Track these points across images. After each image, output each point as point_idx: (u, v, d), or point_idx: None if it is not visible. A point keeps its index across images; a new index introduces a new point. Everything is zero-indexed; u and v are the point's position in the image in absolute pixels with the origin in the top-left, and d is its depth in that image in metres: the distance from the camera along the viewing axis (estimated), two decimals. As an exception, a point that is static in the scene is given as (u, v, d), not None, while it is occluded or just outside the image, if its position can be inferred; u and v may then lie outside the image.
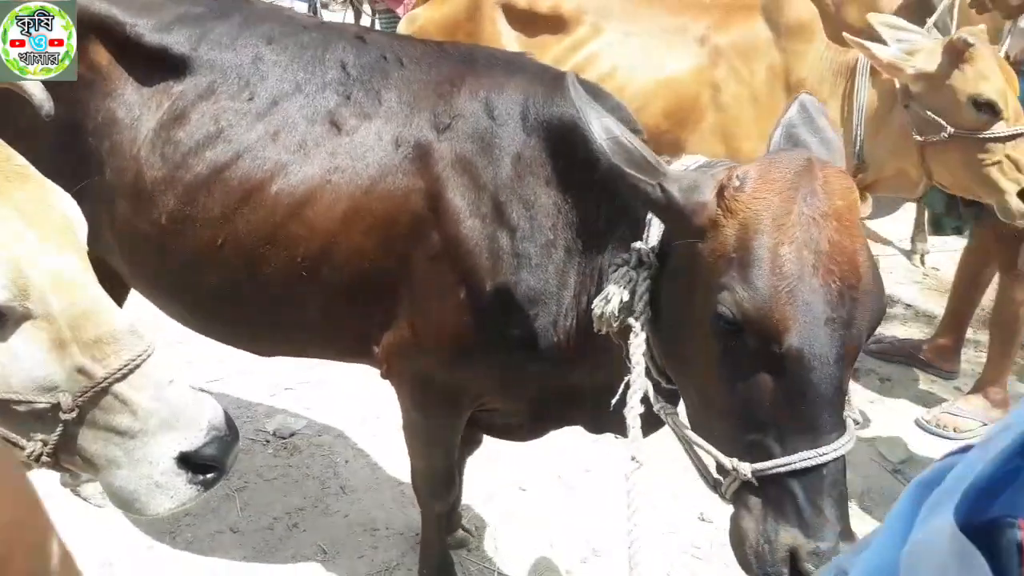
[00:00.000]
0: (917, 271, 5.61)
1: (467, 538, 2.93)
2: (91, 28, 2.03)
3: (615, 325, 1.61)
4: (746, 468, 1.41)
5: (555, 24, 3.47)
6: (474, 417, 2.35)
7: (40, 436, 1.22)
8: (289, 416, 3.48)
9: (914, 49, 3.06)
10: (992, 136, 2.92)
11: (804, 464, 1.36)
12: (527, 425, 2.36)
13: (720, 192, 1.45)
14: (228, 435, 1.30)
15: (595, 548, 2.95)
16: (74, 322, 1.20)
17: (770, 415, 1.39)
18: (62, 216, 1.28)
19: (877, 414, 3.93)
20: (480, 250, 1.91)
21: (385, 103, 2.00)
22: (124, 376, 1.21)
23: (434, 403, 2.20)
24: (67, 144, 2.07)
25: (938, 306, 4.85)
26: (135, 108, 2.04)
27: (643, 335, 1.55)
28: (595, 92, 1.98)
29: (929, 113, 3.00)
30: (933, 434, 3.85)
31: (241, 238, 1.99)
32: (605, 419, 2.10)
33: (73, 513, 2.87)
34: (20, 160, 1.28)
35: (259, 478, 3.14)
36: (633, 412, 1.54)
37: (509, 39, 3.46)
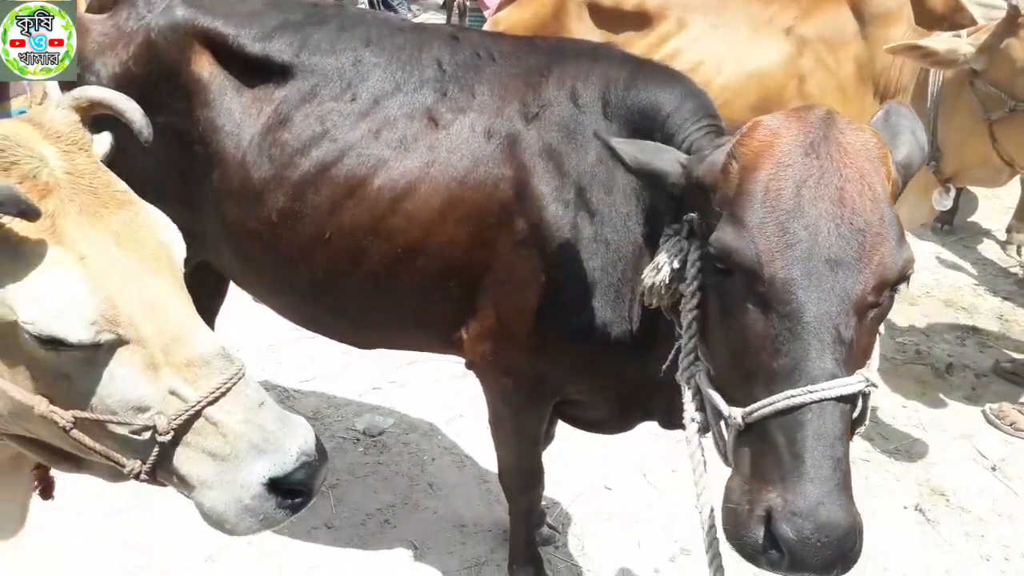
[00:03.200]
0: (1012, 262, 5.39)
1: (553, 535, 2.95)
2: (196, 39, 2.14)
3: (665, 296, 1.62)
4: (737, 413, 1.36)
5: (640, 20, 3.50)
6: (561, 411, 2.38)
7: (139, 455, 1.25)
8: (377, 415, 3.55)
9: (985, 27, 2.94)
10: None
11: (787, 403, 1.28)
12: (614, 417, 2.37)
13: (732, 152, 1.46)
14: (317, 460, 1.29)
15: (683, 547, 2.93)
16: (166, 346, 1.22)
17: (760, 359, 1.35)
18: (157, 241, 1.29)
19: (973, 411, 3.81)
20: (562, 235, 1.95)
21: (479, 97, 2.05)
22: (215, 400, 1.23)
23: (518, 393, 2.23)
24: (174, 155, 2.17)
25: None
26: (236, 115, 2.13)
27: (695, 300, 1.54)
28: (672, 76, 2.02)
29: (991, 88, 2.88)
30: (992, 424, 3.73)
31: (346, 231, 2.07)
32: (679, 413, 2.12)
33: (175, 509, 2.99)
34: (120, 186, 1.31)
35: (351, 476, 3.22)
36: (685, 374, 1.56)
37: (594, 37, 3.47)
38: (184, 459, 1.25)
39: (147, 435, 1.23)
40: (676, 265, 1.59)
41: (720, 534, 1.42)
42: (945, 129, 3.11)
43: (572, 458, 3.19)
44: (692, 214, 1.59)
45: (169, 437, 1.22)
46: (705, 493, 1.51)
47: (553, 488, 2.82)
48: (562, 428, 2.70)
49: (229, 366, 1.26)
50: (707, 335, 1.53)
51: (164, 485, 1.31)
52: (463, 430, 3.46)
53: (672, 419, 2.19)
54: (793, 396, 1.28)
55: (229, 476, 1.23)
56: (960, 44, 2.87)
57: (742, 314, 1.38)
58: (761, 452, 1.33)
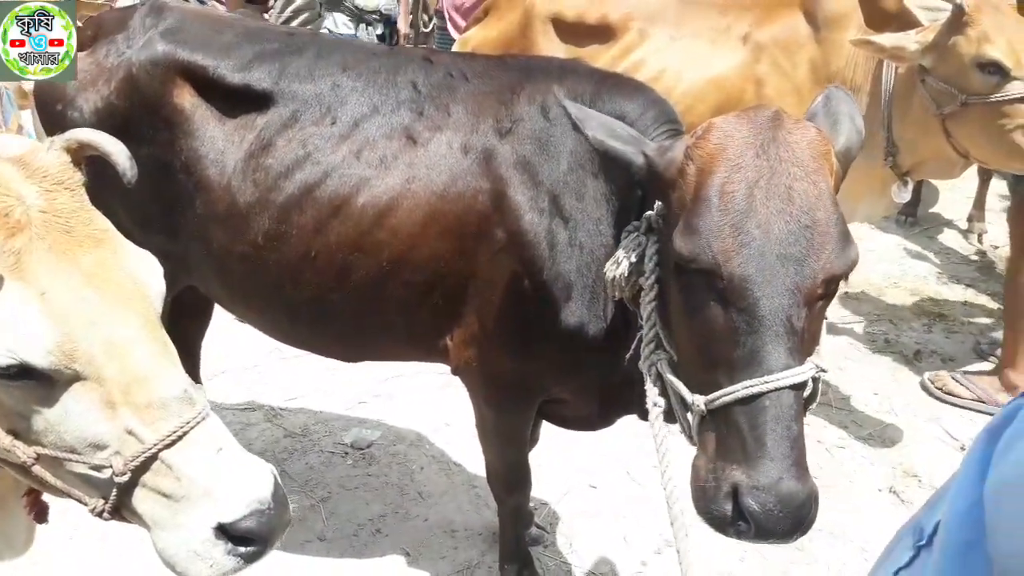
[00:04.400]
0: (973, 250, 5.56)
1: (542, 535, 3.02)
2: (177, 73, 2.21)
3: (626, 288, 1.74)
4: (700, 400, 1.48)
5: (603, 33, 3.59)
6: (546, 411, 2.46)
7: (100, 494, 1.26)
8: (365, 428, 3.62)
9: (932, 27, 3.05)
10: (1006, 98, 2.85)
11: (746, 392, 1.40)
12: (596, 413, 2.45)
13: (689, 144, 1.57)
14: (271, 508, 1.26)
15: (668, 539, 3.02)
16: (126, 386, 1.21)
17: (720, 350, 1.46)
18: (131, 278, 1.30)
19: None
20: (539, 241, 2.04)
21: (454, 115, 2.15)
22: (172, 443, 1.23)
23: (503, 396, 2.32)
24: (158, 185, 2.24)
25: (999, 285, 4.82)
26: (219, 143, 2.20)
27: (653, 292, 1.67)
28: (635, 87, 2.14)
29: (941, 83, 2.98)
30: (927, 392, 3.89)
31: (332, 248, 2.15)
32: None
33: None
34: (101, 225, 1.32)
35: (341, 488, 3.28)
36: (646, 363, 1.68)
37: (560, 52, 3.58)
38: (141, 499, 1.26)
39: (106, 474, 1.24)
40: (634, 259, 1.73)
41: (684, 507, 1.56)
42: (900, 125, 3.23)
43: (557, 459, 3.28)
44: (650, 212, 1.72)
45: (127, 478, 1.23)
46: (669, 470, 1.62)
47: (540, 489, 2.90)
48: (547, 430, 2.78)
49: (189, 409, 1.26)
50: (670, 326, 1.65)
51: (130, 522, 1.32)
52: (450, 439, 3.53)
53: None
54: (752, 386, 1.41)
55: (180, 519, 1.24)
56: (907, 41, 2.99)
57: (703, 309, 1.49)
58: (725, 435, 1.46)
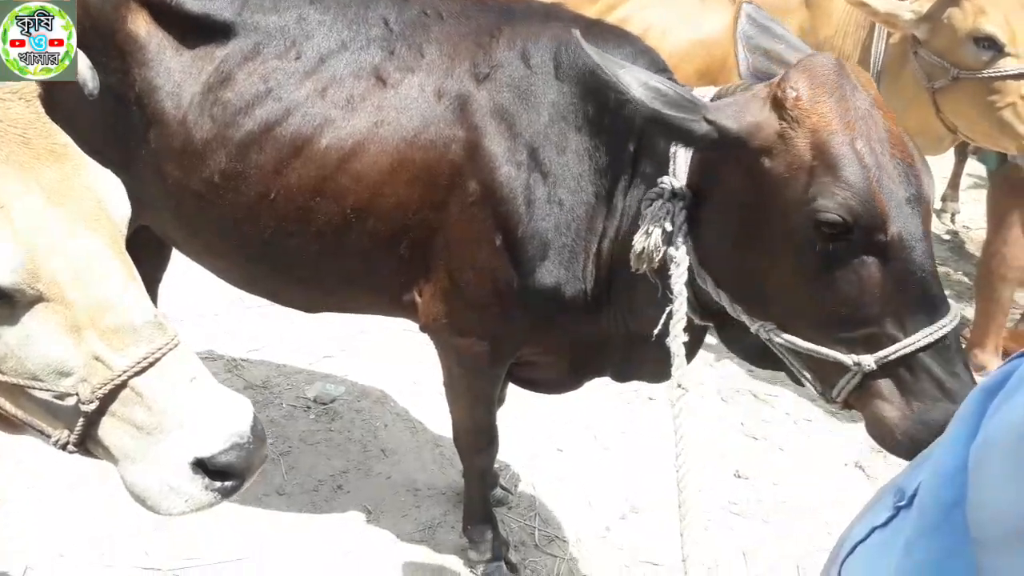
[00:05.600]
0: (945, 229, 5.57)
1: (506, 496, 2.98)
2: None
3: (656, 258, 1.67)
4: (869, 359, 1.47)
5: None
6: (514, 373, 2.41)
7: (65, 424, 1.20)
8: (329, 383, 3.54)
9: None
10: (999, 74, 2.80)
11: (929, 340, 1.44)
12: (565, 376, 2.40)
13: (778, 106, 1.52)
14: (250, 442, 1.21)
15: (633, 505, 3.00)
16: (92, 309, 1.16)
17: (883, 304, 1.46)
18: (95, 198, 1.23)
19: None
20: (515, 196, 1.96)
21: (427, 56, 2.04)
22: (143, 370, 1.17)
23: (473, 354, 2.25)
24: (112, 116, 2.12)
25: (971, 265, 4.83)
26: (175, 74, 2.08)
27: (685, 263, 1.62)
28: (622, 35, 2.07)
29: (934, 57, 2.93)
30: None
31: (292, 191, 2.04)
32: (633, 367, 2.24)
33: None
34: (60, 139, 1.25)
35: (302, 443, 3.21)
36: (677, 340, 1.62)
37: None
38: (109, 430, 1.20)
39: (71, 402, 1.17)
40: (668, 227, 1.65)
41: (690, 494, 1.56)
42: (888, 97, 3.16)
43: (525, 421, 3.23)
44: (667, 178, 1.68)
45: (94, 406, 1.17)
46: (684, 454, 1.58)
47: (506, 451, 2.85)
48: (514, 392, 2.73)
49: (160, 335, 1.20)
50: (776, 298, 1.59)
51: (96, 457, 1.26)
52: (416, 397, 3.46)
53: (626, 373, 2.29)
54: (933, 332, 1.44)
55: (153, 452, 1.18)
56: (901, 8, 2.93)
57: (857, 269, 1.47)
58: (911, 381, 1.47)
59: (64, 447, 1.22)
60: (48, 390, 1.17)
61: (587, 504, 3.01)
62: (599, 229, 1.99)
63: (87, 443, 1.23)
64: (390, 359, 3.67)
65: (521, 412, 3.12)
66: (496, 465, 2.82)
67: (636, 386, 3.41)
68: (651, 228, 1.66)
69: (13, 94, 1.22)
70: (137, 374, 1.17)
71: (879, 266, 1.45)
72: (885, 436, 1.50)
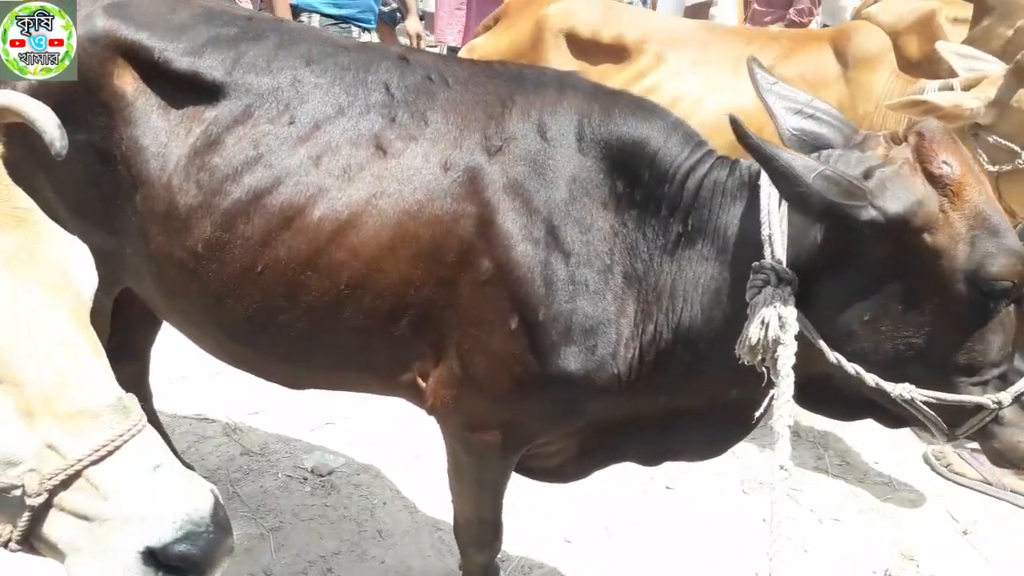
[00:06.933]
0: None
1: (508, 591, 2.78)
2: (118, 53, 1.98)
3: (774, 349, 1.61)
4: (1007, 397, 1.59)
5: (618, 53, 3.44)
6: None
7: (6, 520, 1.08)
8: (328, 453, 3.37)
9: (980, 78, 2.87)
10: None
11: None
12: (573, 464, 2.23)
13: (935, 181, 1.55)
14: (210, 530, 1.10)
15: (646, 605, 2.78)
16: (48, 392, 1.06)
17: (1015, 344, 1.60)
18: (58, 267, 1.15)
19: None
20: (533, 276, 1.82)
21: (432, 125, 1.91)
22: (101, 459, 1.06)
23: (484, 443, 2.08)
24: (96, 175, 2.01)
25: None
26: (162, 135, 1.97)
27: (793, 346, 1.58)
28: (649, 107, 1.95)
29: (1001, 140, 2.79)
30: (930, 467, 3.66)
31: (281, 265, 1.91)
32: (671, 446, 2.10)
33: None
34: (23, 203, 1.17)
35: (295, 518, 3.03)
36: (782, 421, 1.60)
37: (571, 68, 3.37)
38: (57, 524, 1.07)
39: (16, 495, 1.05)
40: (785, 314, 1.59)
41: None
42: None
43: (529, 507, 3.02)
44: (768, 261, 1.63)
45: (42, 499, 1.04)
46: (779, 541, 1.59)
47: (509, 540, 2.64)
48: (517, 476, 2.54)
49: (123, 419, 1.09)
50: (918, 359, 1.62)
51: (41, 555, 1.13)
52: (419, 473, 3.27)
53: (661, 454, 2.15)
54: None
55: (103, 543, 1.06)
56: (965, 99, 2.78)
57: (1003, 320, 1.58)
58: None
59: (6, 545, 1.09)
60: None
61: (595, 602, 2.80)
62: (631, 312, 1.85)
63: (31, 540, 1.09)
64: (393, 429, 3.48)
65: (525, 496, 2.92)
66: (499, 556, 2.61)
67: (652, 472, 3.22)
68: (766, 318, 1.59)
69: None
70: (94, 463, 1.06)
71: (1018, 312, 1.58)
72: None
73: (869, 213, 1.52)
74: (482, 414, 2.02)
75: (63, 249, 1.18)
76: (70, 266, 1.17)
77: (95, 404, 1.08)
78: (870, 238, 1.57)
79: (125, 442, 1.07)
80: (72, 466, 1.04)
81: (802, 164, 1.52)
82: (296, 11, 4.43)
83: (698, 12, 5.73)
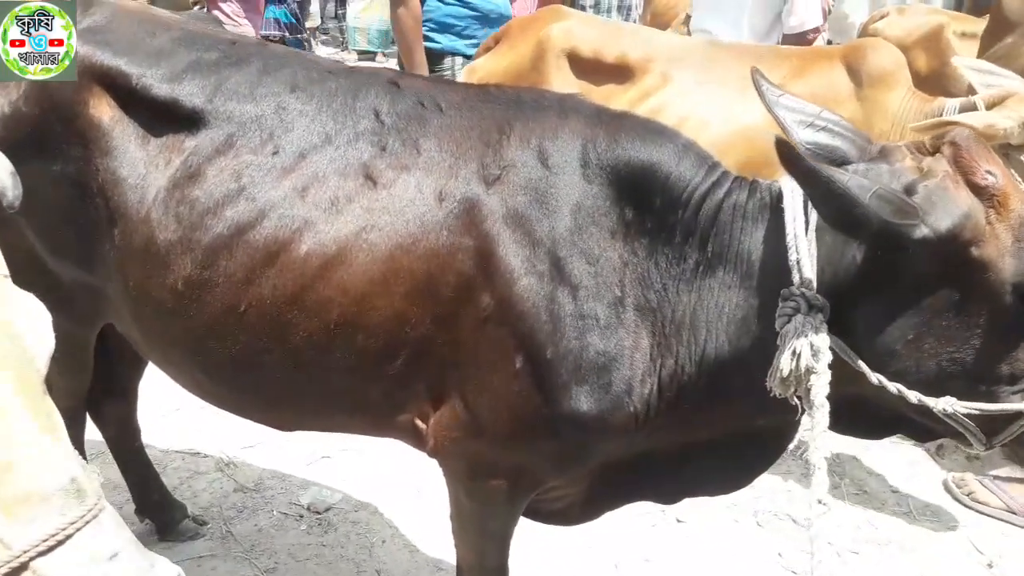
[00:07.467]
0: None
1: (513, 636, 2.64)
2: (94, 80, 1.87)
3: (805, 378, 1.56)
4: None
5: (622, 73, 3.34)
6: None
7: None
8: (325, 488, 3.25)
9: (1004, 95, 2.77)
10: None
11: None
12: (581, 506, 2.12)
13: (980, 193, 1.50)
14: None
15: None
16: None
17: None
18: (8, 332, 1.04)
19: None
20: (538, 312, 1.71)
21: (424, 153, 1.81)
22: (49, 549, 0.95)
23: (489, 489, 1.97)
24: (72, 208, 1.92)
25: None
26: (140, 165, 1.87)
27: (827, 375, 1.53)
28: (657, 129, 1.85)
29: None
30: (952, 495, 3.53)
31: (266, 303, 1.80)
32: (690, 481, 2.01)
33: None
34: None
35: (291, 558, 2.91)
36: (819, 453, 1.57)
37: (574, 89, 3.29)
38: None
39: None
40: (817, 343, 1.53)
41: None
42: None
43: (535, 544, 2.89)
44: (797, 288, 1.56)
45: None
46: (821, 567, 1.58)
47: (515, 582, 2.53)
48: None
49: (76, 504, 0.97)
50: (962, 373, 1.57)
51: None
52: (419, 510, 3.15)
53: (681, 491, 2.07)
54: None
55: None
56: (998, 119, 2.68)
57: None
58: None
59: None
60: None
61: (605, 646, 2.66)
62: (645, 346, 1.75)
63: None
64: (393, 463, 3.35)
65: (531, 531, 2.79)
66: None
67: (662, 505, 3.09)
68: (799, 349, 1.52)
69: None
70: (41, 554, 0.94)
71: None
72: None
73: (922, 231, 1.46)
74: (487, 459, 1.91)
75: (14, 311, 1.07)
76: (22, 331, 1.06)
77: (44, 487, 0.96)
78: (917, 256, 1.50)
79: (78, 529, 0.96)
80: (17, 557, 0.93)
81: (857, 184, 1.46)
82: (440, 55, 4.15)
83: (801, 40, 5.11)
